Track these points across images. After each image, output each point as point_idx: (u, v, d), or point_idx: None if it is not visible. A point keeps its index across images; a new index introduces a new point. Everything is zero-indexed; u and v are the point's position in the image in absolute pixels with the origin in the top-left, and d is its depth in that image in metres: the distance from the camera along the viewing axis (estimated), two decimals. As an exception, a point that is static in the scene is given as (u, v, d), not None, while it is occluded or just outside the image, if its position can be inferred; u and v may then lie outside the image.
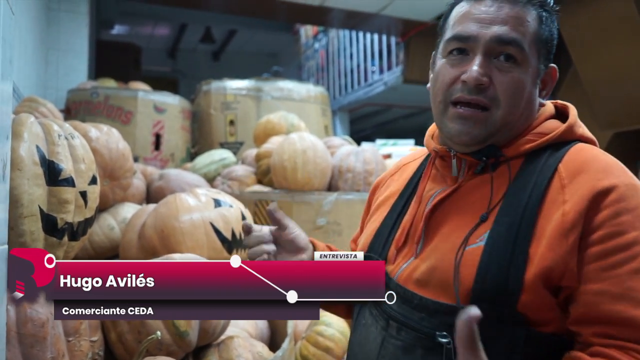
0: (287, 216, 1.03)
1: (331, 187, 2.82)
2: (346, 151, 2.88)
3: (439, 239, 0.84)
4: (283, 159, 2.67)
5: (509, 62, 0.84)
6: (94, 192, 1.34)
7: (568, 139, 0.86)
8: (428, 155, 1.01)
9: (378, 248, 0.94)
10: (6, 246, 0.95)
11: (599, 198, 0.74)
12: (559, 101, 0.93)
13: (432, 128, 0.99)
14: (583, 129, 0.88)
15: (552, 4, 0.90)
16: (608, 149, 5.67)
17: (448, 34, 0.89)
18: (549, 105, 0.92)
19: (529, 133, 0.86)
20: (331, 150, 2.94)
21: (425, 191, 0.93)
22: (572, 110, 0.90)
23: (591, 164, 0.79)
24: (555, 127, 0.86)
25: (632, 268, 0.71)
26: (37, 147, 1.20)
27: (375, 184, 1.12)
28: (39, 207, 1.18)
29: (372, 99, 6.90)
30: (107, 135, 1.97)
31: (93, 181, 1.33)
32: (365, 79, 7.01)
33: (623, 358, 0.68)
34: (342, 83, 7.64)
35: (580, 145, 0.85)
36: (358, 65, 7.18)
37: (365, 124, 8.34)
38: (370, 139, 5.69)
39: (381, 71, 6.65)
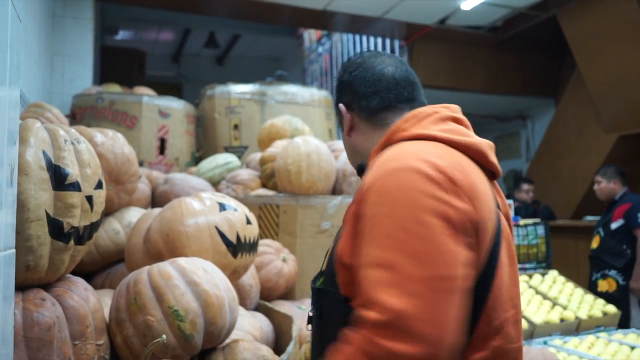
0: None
1: (335, 191, 2.83)
2: (350, 155, 2.88)
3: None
4: (287, 163, 2.68)
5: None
6: (100, 196, 1.35)
7: (391, 143, 1.03)
8: None
9: None
10: (13, 250, 0.96)
11: (359, 195, 0.93)
12: (420, 109, 1.10)
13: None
14: (403, 133, 1.03)
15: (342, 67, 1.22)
16: (612, 152, 5.68)
17: None
18: (399, 121, 1.08)
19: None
20: (335, 154, 2.94)
21: None
22: (407, 116, 1.06)
23: (373, 165, 0.98)
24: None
25: (370, 239, 0.86)
26: (44, 152, 1.21)
27: None
28: (46, 212, 1.18)
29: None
30: (112, 140, 1.99)
31: (99, 186, 1.34)
32: (369, 83, 7.00)
33: (349, 334, 0.84)
34: (345, 87, 7.63)
35: (390, 148, 1.00)
36: (362, 69, 7.17)
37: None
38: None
39: (385, 75, 6.64)
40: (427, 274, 0.79)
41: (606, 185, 4.15)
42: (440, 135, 0.99)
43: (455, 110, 1.09)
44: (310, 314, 1.13)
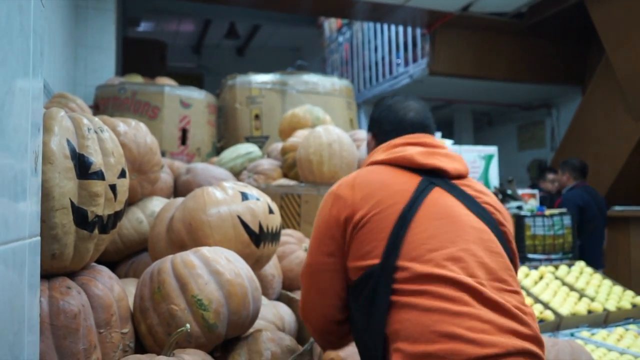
0: None
1: (357, 181, 2.80)
2: (372, 144, 2.85)
3: None
4: (309, 153, 2.66)
5: None
6: (123, 185, 1.35)
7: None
8: None
9: None
10: (39, 238, 0.96)
11: None
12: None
13: None
14: (366, 160, 1.46)
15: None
16: (642, 140, 5.50)
17: None
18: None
19: None
20: (357, 143, 2.91)
21: None
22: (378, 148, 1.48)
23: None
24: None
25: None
26: (68, 140, 1.21)
27: None
28: (70, 200, 1.19)
29: (397, 92, 6.83)
30: (135, 129, 1.99)
31: (122, 174, 1.34)
32: (390, 72, 6.95)
33: None
34: (366, 76, 7.59)
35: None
36: (383, 58, 7.12)
37: (390, 117, 8.26)
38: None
39: (406, 63, 6.57)
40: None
41: (559, 178, 4.64)
42: (380, 159, 1.39)
43: (419, 137, 1.43)
44: None
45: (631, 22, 4.95)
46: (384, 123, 1.51)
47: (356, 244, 1.26)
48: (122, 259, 1.97)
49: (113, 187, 1.30)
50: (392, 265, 1.19)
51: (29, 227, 0.94)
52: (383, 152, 1.41)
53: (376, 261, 1.21)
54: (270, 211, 1.75)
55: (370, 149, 1.54)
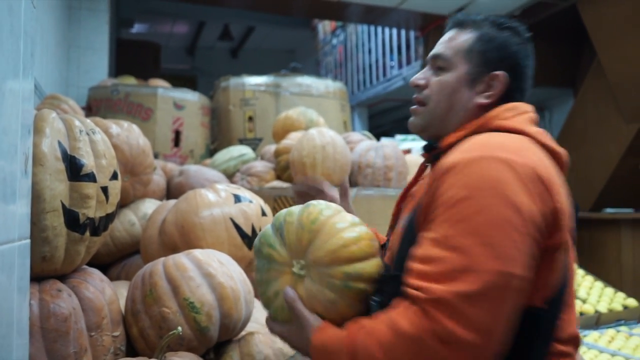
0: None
1: (350, 183, 2.80)
2: (366, 147, 2.86)
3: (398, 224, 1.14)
4: (302, 155, 2.65)
5: (438, 70, 1.13)
6: (115, 187, 1.34)
7: (484, 130, 1.01)
8: None
9: None
10: (28, 241, 0.95)
11: (440, 175, 0.92)
12: (519, 103, 1.07)
13: None
14: (504, 122, 1.01)
15: (503, 24, 1.11)
16: (633, 142, 5.57)
17: None
18: (499, 107, 1.06)
19: (458, 128, 1.07)
20: (350, 146, 2.91)
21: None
22: (508, 106, 1.05)
23: (462, 146, 0.96)
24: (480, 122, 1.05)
25: (446, 218, 0.88)
26: (59, 142, 1.21)
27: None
28: (61, 202, 1.18)
29: (391, 94, 6.85)
30: (127, 131, 1.98)
31: (114, 177, 1.33)
32: (384, 74, 6.96)
33: (399, 304, 0.90)
34: (360, 78, 7.60)
35: (484, 134, 0.99)
36: (377, 61, 7.13)
37: (384, 119, 8.29)
38: (390, 134, 5.64)
39: (400, 66, 6.59)
40: (496, 267, 0.82)
41: None
42: (535, 135, 1.00)
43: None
44: (373, 302, 1.02)
45: (622, 25, 4.99)
46: (526, 68, 1.11)
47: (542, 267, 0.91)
48: (114, 261, 1.96)
49: (105, 189, 1.29)
50: (557, 316, 0.96)
51: (18, 229, 0.93)
52: (529, 123, 1.03)
53: (544, 305, 0.93)
54: (264, 213, 1.75)
55: (497, 93, 1.07)
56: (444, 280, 0.82)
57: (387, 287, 1.00)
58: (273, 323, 1.10)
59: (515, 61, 1.08)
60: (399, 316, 0.86)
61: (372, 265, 1.01)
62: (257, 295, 1.86)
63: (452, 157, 0.93)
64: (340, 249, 0.99)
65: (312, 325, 0.99)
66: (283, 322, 1.07)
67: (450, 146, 1.02)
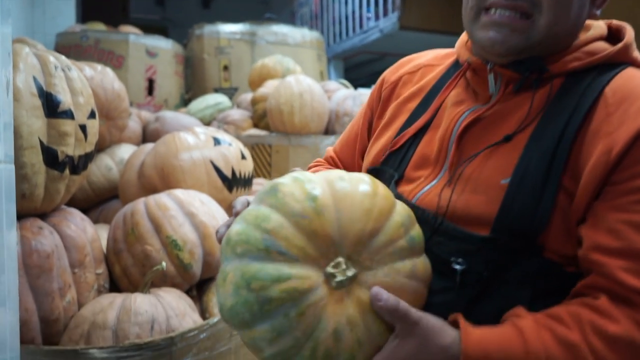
0: None
1: (328, 131, 2.81)
2: (343, 95, 2.85)
3: (472, 168, 0.75)
4: (280, 103, 2.64)
5: None
6: (94, 126, 1.32)
7: (619, 62, 0.75)
8: (456, 64, 0.90)
9: (394, 162, 0.85)
10: (12, 165, 0.93)
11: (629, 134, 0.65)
12: (614, 21, 0.81)
13: (466, 35, 0.87)
14: (635, 53, 0.77)
15: None
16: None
17: None
18: (601, 25, 0.80)
19: (576, 50, 0.76)
20: (328, 94, 2.90)
21: (449, 104, 0.84)
22: (629, 31, 0.78)
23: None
24: (605, 47, 0.76)
25: None
26: (34, 78, 1.18)
27: (388, 81, 0.96)
28: (39, 139, 1.16)
29: (368, 47, 6.78)
30: (101, 74, 1.94)
31: (92, 115, 1.31)
32: (361, 26, 6.86)
33: (609, 309, 0.63)
34: (336, 30, 7.48)
35: (632, 69, 0.74)
36: (353, 12, 7.01)
37: (361, 72, 8.23)
38: (367, 86, 5.62)
39: (377, 17, 6.50)
40: None
41: None
42: None
43: None
44: (457, 267, 0.72)
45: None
46: None
47: None
48: (91, 206, 1.95)
49: (83, 128, 1.27)
50: None
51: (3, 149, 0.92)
52: None
53: None
54: (243, 157, 1.75)
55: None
56: None
57: (479, 253, 0.70)
58: None
59: None
60: (624, 326, 0.62)
61: (403, 205, 0.71)
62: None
63: None
64: (374, 198, 0.66)
65: (442, 326, 0.65)
66: (374, 348, 0.65)
67: (574, 73, 0.75)
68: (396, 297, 0.63)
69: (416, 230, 0.69)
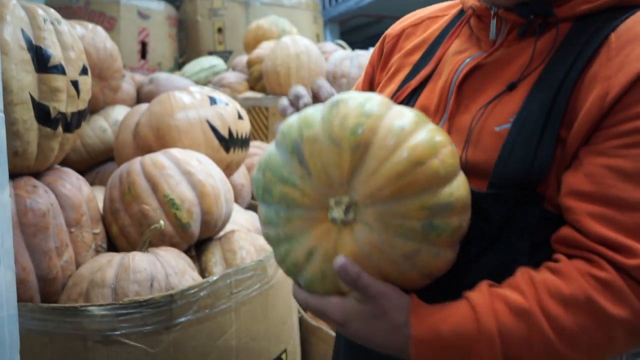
0: None
1: (325, 93, 2.77)
2: (340, 56, 2.80)
3: (470, 116, 0.72)
4: (276, 64, 2.59)
5: None
6: (86, 83, 1.28)
7: (632, 4, 0.69)
8: (460, 13, 0.86)
9: None
10: (2, 115, 0.90)
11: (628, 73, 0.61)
12: None
13: None
14: None
15: None
16: None
17: None
18: None
19: None
20: (325, 56, 2.85)
21: (450, 54, 0.80)
22: None
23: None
24: None
25: None
26: (22, 30, 1.13)
27: (390, 35, 0.93)
28: (30, 95, 1.13)
29: (364, 10, 6.64)
30: (93, 33, 1.88)
31: (84, 71, 1.27)
32: (357, -12, 6.71)
33: (568, 266, 0.61)
34: (332, -7, 7.32)
35: None
36: (349, -27, 6.85)
37: (357, 36, 8.09)
38: (363, 50, 5.53)
39: (374, -21, 6.35)
40: None
41: None
42: None
43: None
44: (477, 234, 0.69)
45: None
46: None
47: None
48: (86, 169, 1.92)
49: (75, 84, 1.23)
50: None
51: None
52: None
53: None
54: (240, 117, 1.72)
55: None
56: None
57: (486, 213, 0.67)
58: (310, 296, 0.66)
59: None
60: (580, 284, 0.59)
61: (462, 187, 0.61)
62: (235, 201, 1.87)
63: None
64: (413, 168, 0.58)
65: (400, 305, 0.62)
66: (325, 294, 0.65)
67: (583, 18, 0.70)
68: (359, 270, 0.60)
69: (445, 222, 0.59)
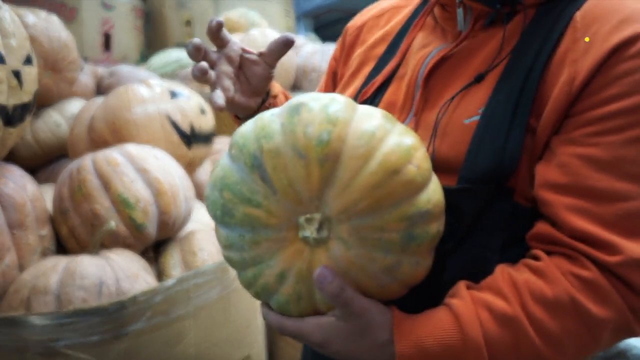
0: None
1: (295, 87, 2.70)
2: (311, 50, 2.73)
3: (442, 112, 0.68)
4: (244, 57, 2.50)
5: None
6: (30, 73, 1.19)
7: None
8: (424, 2, 0.81)
9: None
10: None
11: (615, 53, 0.58)
12: None
13: None
14: None
15: None
16: None
17: None
18: None
19: None
20: (295, 50, 2.78)
21: (415, 47, 0.75)
22: None
23: (614, 12, 0.61)
24: None
25: (629, 136, 0.57)
26: (-45, 15, 1.04)
27: (352, 27, 0.88)
28: (-36, 85, 1.03)
29: (338, 5, 6.60)
30: (46, 22, 1.78)
31: (28, 61, 1.18)
32: (330, -18, 6.66)
33: (547, 263, 0.58)
34: (305, -13, 7.24)
35: None
36: (322, -33, 6.78)
37: (331, 32, 8.04)
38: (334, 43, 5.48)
39: (346, -27, 6.30)
40: None
41: None
42: None
43: None
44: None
45: None
46: None
47: None
48: (40, 165, 1.82)
49: (17, 74, 1.14)
50: None
51: None
52: None
53: None
54: (202, 111, 1.64)
55: None
56: (635, 229, 0.56)
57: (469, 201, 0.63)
58: (285, 319, 0.60)
59: None
60: (563, 286, 0.56)
61: (437, 190, 0.58)
62: (200, 198, 1.79)
63: (630, 29, 0.58)
64: (390, 177, 0.53)
65: (383, 321, 0.58)
66: (300, 315, 0.60)
67: (548, 1, 0.66)
68: (342, 283, 0.55)
69: (424, 230, 0.55)
